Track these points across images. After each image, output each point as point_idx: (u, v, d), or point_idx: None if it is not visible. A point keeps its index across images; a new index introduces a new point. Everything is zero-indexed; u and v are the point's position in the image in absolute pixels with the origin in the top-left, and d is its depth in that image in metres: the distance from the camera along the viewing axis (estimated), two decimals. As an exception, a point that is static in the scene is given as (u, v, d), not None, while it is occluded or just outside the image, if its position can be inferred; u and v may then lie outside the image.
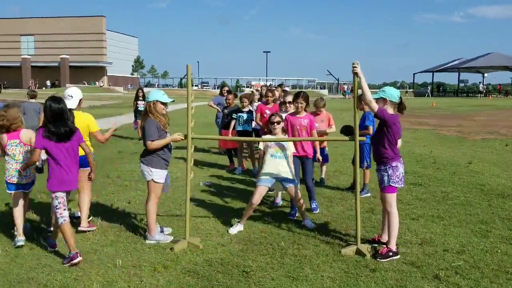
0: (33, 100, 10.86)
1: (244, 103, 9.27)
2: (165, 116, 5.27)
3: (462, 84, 77.58)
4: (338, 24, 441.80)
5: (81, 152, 4.94)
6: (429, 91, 68.01)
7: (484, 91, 57.36)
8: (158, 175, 5.21)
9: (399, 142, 5.04)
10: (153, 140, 5.10)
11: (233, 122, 9.29)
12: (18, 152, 5.29)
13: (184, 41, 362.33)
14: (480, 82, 58.85)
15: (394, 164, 4.83)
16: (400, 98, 4.94)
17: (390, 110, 4.88)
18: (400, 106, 4.96)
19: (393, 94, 4.90)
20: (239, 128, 9.14)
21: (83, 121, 5.53)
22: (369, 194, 7.34)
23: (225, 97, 10.42)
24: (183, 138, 5.27)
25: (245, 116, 9.12)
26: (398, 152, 4.92)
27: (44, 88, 73.49)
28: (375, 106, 4.76)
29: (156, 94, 5.24)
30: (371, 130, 6.89)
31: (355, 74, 4.76)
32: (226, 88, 11.66)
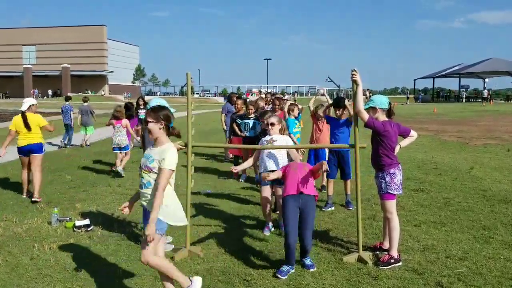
0: (85, 104, 15.37)
1: (250, 110, 9.26)
2: None
3: (463, 90, 77.39)
4: (339, 32, 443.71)
5: (37, 140, 7.72)
6: (420, 96, 67.67)
7: (489, 97, 55.09)
8: None
9: (414, 132, 5.09)
10: None
11: (236, 128, 9.28)
12: (119, 131, 10.06)
13: (185, 49, 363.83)
14: (485, 89, 56.98)
15: (391, 171, 4.82)
16: (389, 103, 4.98)
17: (382, 117, 4.92)
18: (388, 112, 4.99)
19: (382, 101, 4.95)
20: (246, 134, 9.11)
21: (34, 120, 7.79)
22: (333, 208, 7.05)
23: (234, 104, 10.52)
24: (184, 147, 5.27)
25: (250, 122, 9.11)
26: (396, 159, 4.91)
27: (45, 97, 73.75)
28: (365, 116, 4.80)
29: (157, 103, 5.24)
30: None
31: (354, 81, 4.80)
32: (236, 95, 11.83)
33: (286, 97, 13.09)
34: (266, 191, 5.83)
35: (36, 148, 7.73)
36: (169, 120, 3.86)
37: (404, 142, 5.07)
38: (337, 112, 6.98)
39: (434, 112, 35.21)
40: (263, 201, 5.89)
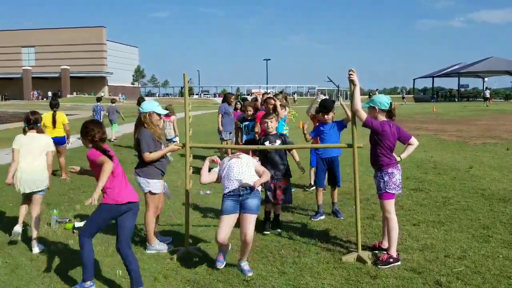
0: (113, 104, 17.89)
1: (249, 111, 9.25)
2: (159, 127, 5.27)
3: (462, 89, 77.34)
4: (338, 32, 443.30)
5: (60, 134, 9.72)
6: (404, 94, 67.22)
7: (491, 97, 52.08)
8: (155, 186, 5.20)
9: (414, 140, 5.02)
10: (150, 152, 5.09)
11: (239, 133, 9.26)
12: (168, 125, 11.56)
13: (184, 50, 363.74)
14: (487, 88, 55.51)
15: (390, 170, 4.82)
16: (390, 104, 4.95)
17: (382, 117, 4.91)
18: (390, 113, 4.97)
19: (382, 101, 4.93)
20: (246, 137, 9.07)
21: (60, 118, 9.66)
22: (323, 217, 6.54)
23: (232, 106, 10.51)
24: (181, 147, 5.27)
25: (250, 124, 9.09)
26: (395, 159, 4.91)
27: (45, 99, 73.72)
28: (363, 116, 4.80)
29: (151, 105, 5.23)
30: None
31: (351, 81, 4.81)
32: (233, 97, 11.80)
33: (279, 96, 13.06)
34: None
35: (60, 140, 9.65)
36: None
37: (404, 154, 5.03)
38: (325, 116, 6.65)
39: (433, 111, 35.22)
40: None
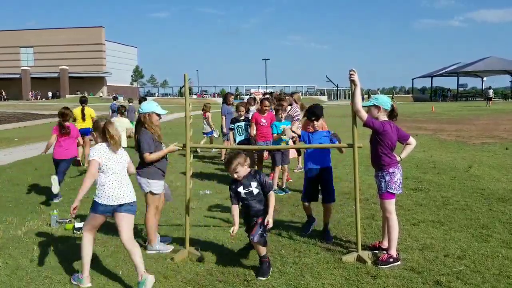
0: (130, 104, 19.76)
1: (241, 112, 9.26)
2: (159, 128, 5.28)
3: (461, 89, 77.44)
4: (337, 31, 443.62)
5: (88, 126, 11.39)
6: (393, 95, 66.85)
7: (493, 96, 49.21)
8: (155, 186, 5.21)
9: (412, 140, 5.05)
10: (151, 152, 5.10)
11: (231, 134, 9.25)
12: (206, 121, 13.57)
13: (183, 50, 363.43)
14: (490, 87, 54.10)
15: (391, 170, 4.84)
16: (392, 105, 4.99)
17: (383, 117, 4.93)
18: (392, 113, 5.00)
19: (385, 101, 4.96)
20: (240, 138, 9.08)
21: (88, 112, 11.92)
22: (315, 223, 5.99)
23: (233, 106, 10.56)
24: (181, 148, 5.28)
25: (243, 124, 9.10)
26: (396, 158, 4.92)
27: (44, 99, 73.68)
28: (364, 116, 4.82)
29: (151, 106, 5.24)
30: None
31: (352, 81, 4.82)
32: (232, 97, 11.92)
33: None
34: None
35: (87, 131, 11.08)
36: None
37: (403, 154, 5.06)
38: (314, 123, 5.80)
39: (432, 111, 35.27)
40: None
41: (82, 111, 11.78)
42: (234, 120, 9.28)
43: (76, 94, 67.49)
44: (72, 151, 8.06)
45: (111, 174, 4.34)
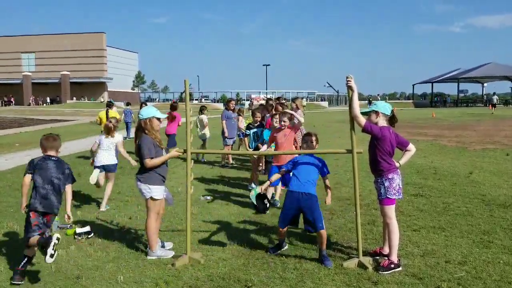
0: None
1: (257, 118, 9.19)
2: (159, 133, 5.30)
3: (461, 95, 77.46)
4: (338, 37, 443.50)
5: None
6: (386, 100, 66.85)
7: (497, 103, 48.14)
8: (156, 191, 5.21)
9: (412, 146, 5.06)
10: (152, 158, 5.10)
11: (246, 140, 9.23)
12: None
13: (184, 55, 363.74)
14: (494, 93, 53.00)
15: (390, 176, 4.85)
16: (392, 111, 5.02)
17: (383, 123, 4.94)
18: (391, 120, 5.02)
19: (385, 107, 4.99)
20: (255, 144, 9.04)
21: (112, 114, 12.47)
22: (285, 248, 5.47)
23: (235, 111, 10.59)
24: (182, 153, 5.29)
25: (259, 131, 9.06)
26: (395, 164, 4.93)
27: (44, 104, 73.79)
28: (362, 121, 4.84)
29: (151, 111, 5.25)
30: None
31: (349, 87, 4.85)
32: (233, 103, 12.05)
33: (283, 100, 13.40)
34: None
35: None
36: None
37: (403, 160, 5.07)
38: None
39: (433, 117, 35.28)
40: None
41: (107, 112, 13.13)
42: (250, 127, 9.29)
43: (80, 100, 67.83)
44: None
45: None
